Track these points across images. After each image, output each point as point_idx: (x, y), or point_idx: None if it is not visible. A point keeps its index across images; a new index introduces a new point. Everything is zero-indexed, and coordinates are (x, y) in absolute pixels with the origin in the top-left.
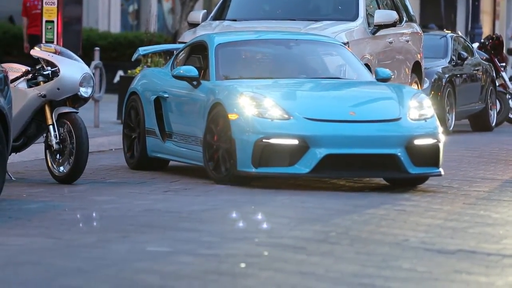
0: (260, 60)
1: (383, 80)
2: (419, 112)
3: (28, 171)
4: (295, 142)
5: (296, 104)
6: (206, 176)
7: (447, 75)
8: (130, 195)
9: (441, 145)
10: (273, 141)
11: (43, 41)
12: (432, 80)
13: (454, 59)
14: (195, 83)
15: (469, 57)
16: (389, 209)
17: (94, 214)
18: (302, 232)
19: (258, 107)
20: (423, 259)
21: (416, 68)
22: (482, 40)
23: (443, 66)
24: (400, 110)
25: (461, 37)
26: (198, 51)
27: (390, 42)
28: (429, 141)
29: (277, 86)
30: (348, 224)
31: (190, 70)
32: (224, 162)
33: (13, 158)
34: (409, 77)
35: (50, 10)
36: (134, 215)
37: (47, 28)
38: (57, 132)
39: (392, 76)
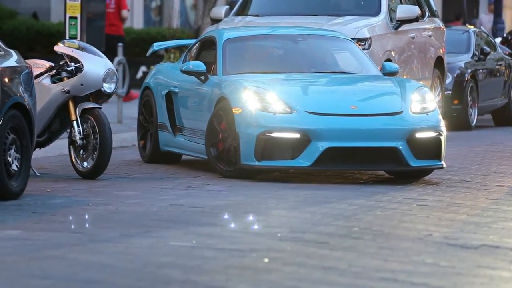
0: (267, 55)
1: (390, 74)
2: (421, 106)
3: (52, 166)
4: (297, 135)
5: (299, 98)
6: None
7: (469, 70)
8: (153, 190)
9: (443, 138)
10: (275, 134)
11: (67, 37)
12: (455, 75)
13: (477, 54)
14: (203, 77)
15: (492, 52)
16: (412, 204)
17: (117, 209)
18: (325, 227)
19: (261, 101)
20: (446, 254)
21: (439, 63)
22: (504, 35)
23: (465, 61)
24: (402, 103)
25: (484, 32)
26: (208, 46)
27: (413, 37)
28: (430, 134)
29: (281, 80)
30: (370, 219)
31: (199, 65)
32: (229, 156)
33: (37, 153)
34: (432, 72)
35: (73, 7)
36: (157, 210)
37: (71, 24)
38: (80, 128)
39: (400, 70)
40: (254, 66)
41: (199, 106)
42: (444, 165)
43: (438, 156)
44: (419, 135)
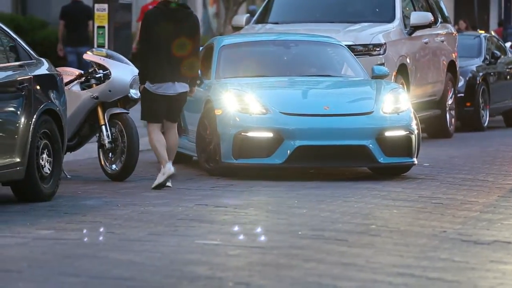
0: (258, 60)
1: (379, 77)
2: (393, 106)
3: (82, 169)
4: (270, 135)
5: (275, 100)
6: (250, 173)
7: (481, 74)
8: (178, 191)
9: (413, 137)
10: (250, 134)
11: (95, 46)
12: (467, 78)
13: (488, 58)
14: (198, 82)
15: (502, 56)
16: (426, 203)
17: (144, 209)
18: (344, 224)
19: (240, 103)
20: (460, 250)
21: (451, 67)
22: None
23: (477, 65)
24: (373, 104)
25: (494, 37)
26: (210, 52)
27: (426, 43)
28: (400, 132)
29: (265, 84)
30: (387, 217)
31: None
32: (214, 155)
33: (68, 157)
34: (445, 76)
35: (101, 17)
36: (182, 210)
37: (99, 33)
38: (109, 132)
39: (389, 74)
40: (244, 71)
41: (194, 108)
42: (416, 162)
43: (409, 154)
44: (388, 133)
